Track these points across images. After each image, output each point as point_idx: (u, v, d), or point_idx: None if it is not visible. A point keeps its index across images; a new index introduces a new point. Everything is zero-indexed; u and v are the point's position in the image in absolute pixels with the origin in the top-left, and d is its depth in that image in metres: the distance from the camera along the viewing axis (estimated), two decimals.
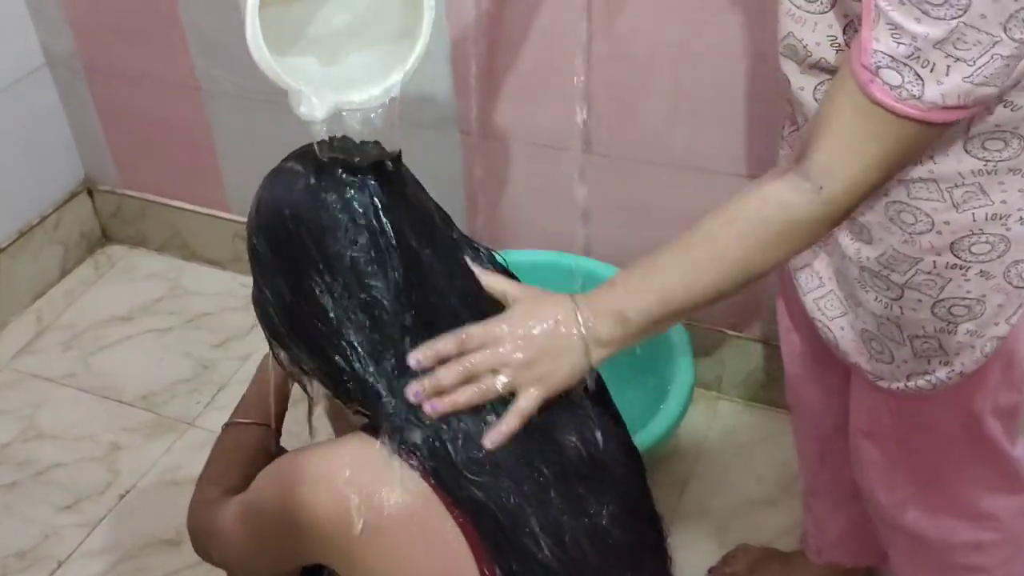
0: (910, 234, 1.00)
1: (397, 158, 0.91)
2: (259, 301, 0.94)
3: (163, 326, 2.07)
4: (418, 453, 0.85)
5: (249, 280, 0.96)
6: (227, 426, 1.15)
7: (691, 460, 1.75)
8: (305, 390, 0.99)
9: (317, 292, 0.88)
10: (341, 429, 1.18)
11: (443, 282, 0.91)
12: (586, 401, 0.94)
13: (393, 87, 0.90)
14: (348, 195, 0.88)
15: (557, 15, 1.55)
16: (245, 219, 0.92)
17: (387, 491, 0.85)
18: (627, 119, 1.62)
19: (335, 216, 0.88)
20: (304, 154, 0.93)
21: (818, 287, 1.15)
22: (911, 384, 1.10)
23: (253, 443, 1.12)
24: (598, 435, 0.93)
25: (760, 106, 1.52)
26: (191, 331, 2.05)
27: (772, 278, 1.66)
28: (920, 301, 1.03)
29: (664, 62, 1.54)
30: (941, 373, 1.07)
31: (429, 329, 0.89)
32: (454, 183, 1.81)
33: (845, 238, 1.07)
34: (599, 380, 0.96)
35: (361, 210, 0.88)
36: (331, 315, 0.88)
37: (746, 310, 1.77)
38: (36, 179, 2.12)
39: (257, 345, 1.99)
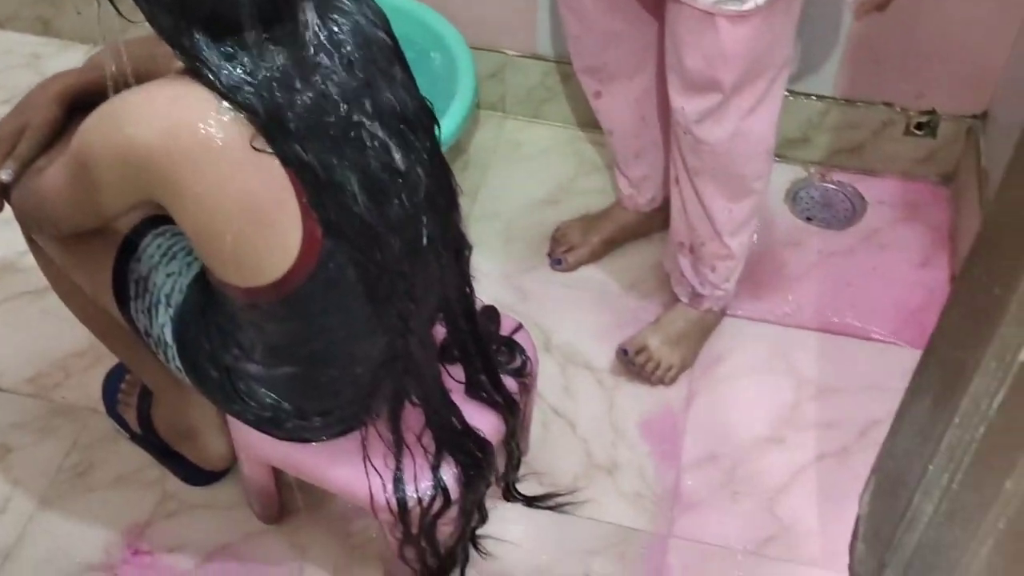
0: None
1: None
2: None
3: None
4: (251, 108, 0.90)
5: None
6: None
7: (481, 172, 1.92)
8: None
9: None
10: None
11: None
12: (396, 66, 1.01)
13: None
14: None
15: None
16: None
17: (213, 123, 0.90)
18: None
19: None
20: None
21: None
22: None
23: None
24: (406, 93, 1.01)
25: None
26: None
27: None
28: None
29: None
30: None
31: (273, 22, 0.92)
32: None
33: None
34: (398, 44, 1.03)
35: None
36: None
37: (522, 28, 1.87)
38: None
39: None
